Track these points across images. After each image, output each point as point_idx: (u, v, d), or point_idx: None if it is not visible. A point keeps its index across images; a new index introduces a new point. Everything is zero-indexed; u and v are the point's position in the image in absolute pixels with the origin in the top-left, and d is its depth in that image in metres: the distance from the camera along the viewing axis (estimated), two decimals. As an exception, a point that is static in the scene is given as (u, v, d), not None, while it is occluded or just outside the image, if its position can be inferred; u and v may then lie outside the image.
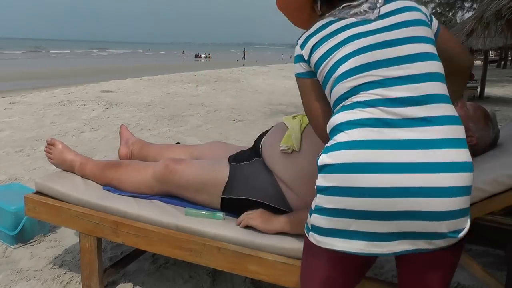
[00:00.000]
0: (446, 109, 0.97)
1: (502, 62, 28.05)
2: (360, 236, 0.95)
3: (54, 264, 2.15)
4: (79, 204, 1.82)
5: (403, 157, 0.91)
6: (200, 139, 4.84)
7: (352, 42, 1.02)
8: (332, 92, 1.04)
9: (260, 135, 1.82)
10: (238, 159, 1.76)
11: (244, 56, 44.12)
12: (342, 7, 1.09)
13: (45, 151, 2.10)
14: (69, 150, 2.07)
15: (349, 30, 1.04)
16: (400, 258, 1.03)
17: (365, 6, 1.07)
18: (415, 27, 1.03)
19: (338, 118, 1.00)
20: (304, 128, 1.62)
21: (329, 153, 0.98)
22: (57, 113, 6.21)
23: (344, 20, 1.07)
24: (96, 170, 1.97)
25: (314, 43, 1.09)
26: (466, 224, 0.96)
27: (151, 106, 7.13)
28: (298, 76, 1.16)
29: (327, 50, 1.05)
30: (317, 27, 1.10)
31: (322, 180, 0.98)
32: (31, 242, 2.37)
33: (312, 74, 1.12)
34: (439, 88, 0.98)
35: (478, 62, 24.55)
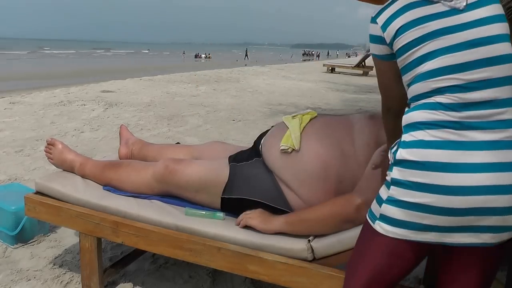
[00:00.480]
0: None
1: (502, 62, 28.04)
2: (433, 228, 1.00)
3: (54, 264, 2.15)
4: (79, 204, 1.82)
5: (482, 158, 0.96)
6: (200, 139, 4.84)
7: (442, 38, 1.00)
8: (413, 85, 1.04)
9: (260, 135, 1.82)
10: (238, 159, 1.76)
11: (247, 56, 44.72)
12: None
13: (45, 151, 2.10)
14: (69, 150, 2.07)
15: (437, 21, 1.01)
16: (453, 249, 1.05)
17: None
18: (500, 23, 1.01)
19: (419, 115, 1.02)
20: (304, 127, 1.63)
21: (409, 149, 1.01)
22: (57, 113, 6.20)
23: (431, 6, 1.02)
24: (96, 170, 1.97)
25: (399, 26, 1.04)
26: None
27: (151, 106, 7.12)
28: (376, 57, 1.13)
29: (414, 39, 1.02)
30: (400, 7, 1.05)
31: (399, 173, 1.02)
32: (31, 242, 2.37)
33: (391, 56, 1.09)
34: None
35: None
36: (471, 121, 0.97)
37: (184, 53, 53.30)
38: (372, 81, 13.85)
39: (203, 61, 37.82)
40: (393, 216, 1.03)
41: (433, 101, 1.00)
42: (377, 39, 1.09)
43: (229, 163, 1.74)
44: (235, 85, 11.09)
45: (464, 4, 1.00)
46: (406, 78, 1.06)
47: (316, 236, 1.51)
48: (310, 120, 1.66)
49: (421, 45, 1.01)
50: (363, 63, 17.73)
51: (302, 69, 20.59)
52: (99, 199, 1.81)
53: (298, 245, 1.48)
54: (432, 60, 1.00)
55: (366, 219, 1.12)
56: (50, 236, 2.45)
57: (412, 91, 1.05)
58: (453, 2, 1.01)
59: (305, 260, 1.47)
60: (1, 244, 2.34)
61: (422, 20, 1.02)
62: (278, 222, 1.54)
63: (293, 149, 1.58)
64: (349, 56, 69.17)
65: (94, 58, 38.13)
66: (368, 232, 1.10)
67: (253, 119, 6.38)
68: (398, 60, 1.07)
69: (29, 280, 2.01)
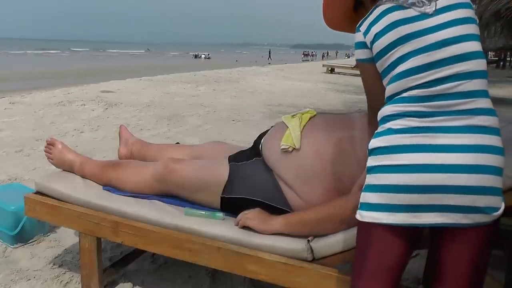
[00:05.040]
0: (484, 103, 1.07)
1: (501, 63, 28.08)
2: (401, 208, 1.06)
3: (54, 264, 2.16)
4: (79, 204, 1.82)
5: (445, 140, 1.04)
6: (200, 139, 4.84)
7: (412, 41, 1.09)
8: (389, 85, 1.14)
9: (260, 134, 1.83)
10: (238, 158, 1.76)
11: (270, 57, 46.23)
12: None
13: (45, 151, 2.10)
14: (68, 150, 2.08)
15: (409, 25, 1.10)
16: (435, 233, 1.12)
17: None
18: (467, 24, 1.10)
19: (388, 109, 1.12)
20: (304, 126, 1.63)
21: (379, 138, 1.11)
22: (57, 113, 6.20)
23: (404, 11, 1.11)
24: (95, 170, 1.98)
25: (376, 31, 1.14)
26: (500, 205, 1.06)
27: (151, 106, 7.12)
28: (361, 62, 1.24)
29: (388, 44, 1.12)
30: (378, 13, 1.15)
31: (371, 161, 1.12)
32: (31, 242, 2.37)
33: (372, 60, 1.19)
34: (481, 84, 1.08)
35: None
36: (437, 111, 1.06)
37: (202, 57, 51.21)
38: (371, 81, 13.81)
39: (202, 61, 37.84)
40: (369, 201, 1.10)
41: (401, 96, 1.10)
42: (360, 45, 1.21)
43: (229, 163, 1.74)
44: (235, 86, 11.09)
45: (433, 9, 1.10)
46: (385, 81, 1.16)
47: (315, 236, 1.51)
48: (310, 119, 1.67)
49: (395, 49, 1.11)
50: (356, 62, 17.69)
51: (301, 69, 20.60)
52: (99, 199, 1.81)
53: (297, 245, 1.48)
54: (405, 62, 1.10)
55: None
56: (50, 236, 2.45)
57: (388, 90, 1.14)
58: (422, 8, 1.10)
59: (304, 260, 1.47)
60: (1, 244, 2.34)
61: (395, 24, 1.12)
62: (277, 223, 1.54)
63: (294, 148, 1.58)
64: (348, 57, 69.17)
65: (94, 58, 38.12)
66: (358, 227, 1.17)
67: (253, 119, 6.38)
68: (378, 64, 1.17)
69: (29, 280, 2.01)
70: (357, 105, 8.22)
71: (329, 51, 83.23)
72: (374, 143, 1.12)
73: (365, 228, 1.13)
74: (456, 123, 1.05)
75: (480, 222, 1.05)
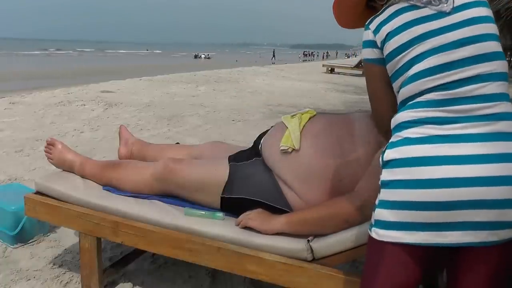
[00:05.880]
0: (508, 107, 1.00)
1: (502, 63, 28.02)
2: (424, 227, 0.98)
3: (54, 264, 2.16)
4: (79, 204, 1.82)
5: (468, 150, 0.95)
6: (200, 139, 4.84)
7: (428, 40, 1.02)
8: (403, 89, 1.06)
9: (260, 135, 1.83)
10: (238, 158, 1.76)
11: (274, 57, 46.27)
12: None
13: (45, 151, 2.10)
14: (68, 150, 2.08)
15: (424, 25, 1.03)
16: (453, 251, 1.03)
17: None
18: (486, 24, 1.04)
19: (403, 116, 1.04)
20: (303, 126, 1.63)
21: (395, 149, 1.02)
22: (57, 113, 6.20)
23: (419, 11, 1.05)
24: (95, 170, 1.98)
25: (388, 31, 1.07)
26: None
27: (151, 106, 7.12)
28: (368, 62, 1.15)
29: (402, 44, 1.05)
30: (391, 13, 1.08)
31: (387, 174, 1.02)
32: (31, 242, 2.37)
33: (382, 61, 1.11)
34: (503, 87, 1.02)
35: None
36: (457, 116, 0.99)
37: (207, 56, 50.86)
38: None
39: (202, 61, 37.88)
40: (385, 219, 1.02)
41: (418, 100, 1.02)
42: (370, 44, 1.13)
43: (229, 163, 1.74)
44: (235, 86, 11.09)
45: (451, 7, 1.04)
46: (397, 84, 1.09)
47: (315, 236, 1.51)
48: (310, 119, 1.66)
49: (409, 50, 1.04)
50: (362, 63, 17.69)
51: (301, 69, 20.59)
52: (99, 199, 1.81)
53: (297, 245, 1.48)
54: (420, 63, 1.02)
55: (368, 231, 1.09)
56: (50, 236, 2.45)
57: (402, 94, 1.07)
58: (439, 6, 1.04)
59: (304, 260, 1.47)
60: (1, 244, 2.34)
61: (409, 24, 1.05)
62: (278, 222, 1.54)
63: (293, 149, 1.58)
64: (348, 57, 69.21)
65: (94, 58, 38.15)
66: (369, 243, 1.09)
67: (253, 119, 6.38)
68: (388, 65, 1.09)
69: (29, 280, 2.01)
70: (357, 105, 8.22)
71: (329, 51, 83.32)
72: (390, 154, 1.03)
73: (378, 245, 1.04)
74: (479, 130, 0.97)
75: (506, 239, 0.97)
